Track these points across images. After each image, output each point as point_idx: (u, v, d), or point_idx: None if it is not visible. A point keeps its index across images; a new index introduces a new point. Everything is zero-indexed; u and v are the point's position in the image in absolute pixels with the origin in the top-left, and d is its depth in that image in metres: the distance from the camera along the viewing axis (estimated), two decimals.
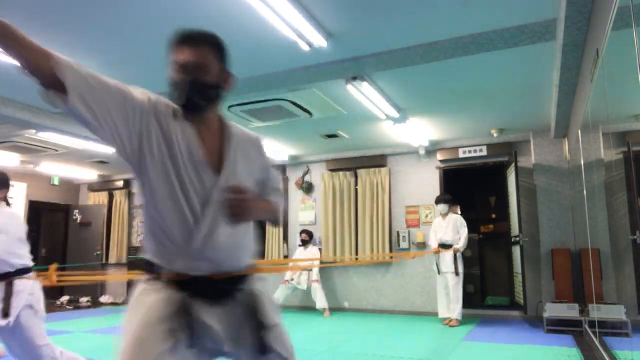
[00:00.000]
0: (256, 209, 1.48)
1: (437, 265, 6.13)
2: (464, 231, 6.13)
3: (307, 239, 7.37)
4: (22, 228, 2.98)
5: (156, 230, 1.42)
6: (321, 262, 7.38)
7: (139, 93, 1.40)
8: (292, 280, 7.17)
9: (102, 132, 1.31)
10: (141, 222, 9.43)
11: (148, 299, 1.37)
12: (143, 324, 1.32)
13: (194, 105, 1.40)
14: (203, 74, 1.39)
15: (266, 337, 1.45)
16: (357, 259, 7.50)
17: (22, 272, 2.89)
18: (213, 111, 1.48)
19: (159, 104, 1.41)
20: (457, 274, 5.92)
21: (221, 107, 1.52)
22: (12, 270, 2.85)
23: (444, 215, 6.25)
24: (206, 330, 1.38)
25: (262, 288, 1.56)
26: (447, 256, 6.02)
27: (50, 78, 1.24)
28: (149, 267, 1.44)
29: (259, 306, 1.48)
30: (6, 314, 2.77)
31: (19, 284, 2.84)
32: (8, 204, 3.07)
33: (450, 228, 6.14)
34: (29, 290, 2.88)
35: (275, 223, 1.68)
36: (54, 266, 2.16)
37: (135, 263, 8.77)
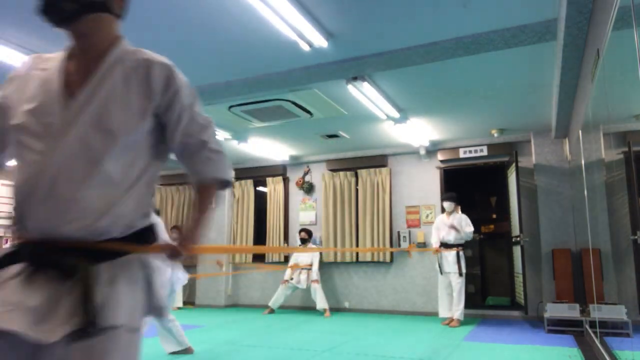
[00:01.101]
0: (196, 231, 1.29)
1: (439, 264, 6.12)
2: (470, 224, 6.11)
3: (306, 237, 7.37)
4: None
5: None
6: (321, 255, 7.38)
7: (13, 73, 1.26)
8: (292, 279, 7.17)
9: None
10: None
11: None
12: None
13: (57, 10, 1.15)
14: None
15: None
16: (357, 259, 7.49)
17: None
18: (97, 27, 1.22)
19: (37, 57, 1.27)
20: (460, 274, 5.91)
21: (110, 23, 1.27)
22: None
23: (449, 214, 6.23)
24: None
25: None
26: (450, 256, 6.01)
27: None
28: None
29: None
30: None
31: None
32: None
33: (454, 227, 6.13)
34: None
35: (225, 187, 1.37)
36: None
37: None
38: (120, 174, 1.17)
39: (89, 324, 1.06)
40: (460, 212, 6.49)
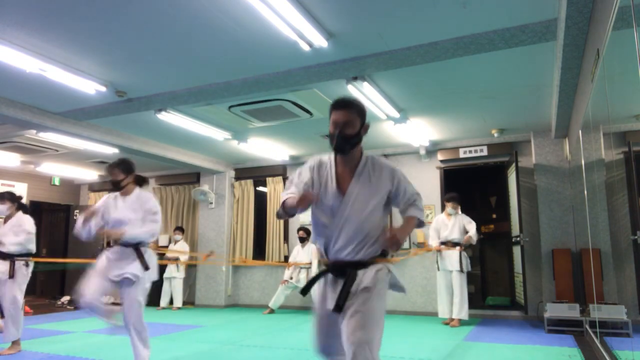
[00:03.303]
0: (403, 236, 2.06)
1: (437, 262, 6.12)
2: (473, 227, 6.09)
3: (305, 236, 7.37)
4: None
5: (319, 234, 2.23)
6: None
7: (307, 169, 2.24)
8: (291, 279, 7.17)
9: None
10: None
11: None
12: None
13: (342, 150, 2.15)
14: (346, 128, 2.12)
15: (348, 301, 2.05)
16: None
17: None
18: (355, 149, 2.19)
19: (317, 163, 2.24)
20: (462, 270, 5.90)
21: (361, 146, 2.24)
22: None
23: (449, 214, 6.22)
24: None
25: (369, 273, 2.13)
26: (454, 254, 6.00)
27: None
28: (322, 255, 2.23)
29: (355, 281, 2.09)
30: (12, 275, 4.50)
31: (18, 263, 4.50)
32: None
33: (457, 227, 6.11)
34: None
35: (421, 225, 2.26)
36: None
37: None
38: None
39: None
40: (460, 211, 6.49)
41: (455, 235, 6.08)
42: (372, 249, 2.14)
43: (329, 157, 2.23)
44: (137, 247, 3.45)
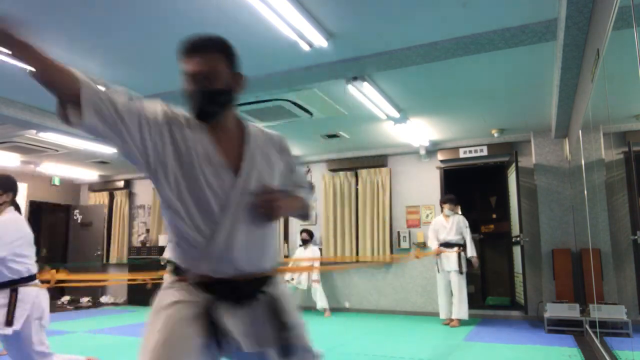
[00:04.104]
0: (285, 206, 1.53)
1: (437, 263, 6.12)
2: (468, 232, 6.10)
3: (308, 238, 7.37)
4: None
5: (178, 235, 1.43)
6: (321, 264, 7.37)
7: (154, 107, 1.43)
8: (292, 280, 7.16)
9: (124, 146, 1.34)
10: (142, 222, 9.44)
11: (172, 300, 1.39)
12: (169, 325, 1.34)
13: (207, 114, 1.45)
14: (212, 82, 1.42)
15: (290, 339, 1.46)
16: (357, 261, 7.49)
17: (27, 279, 2.83)
18: (228, 114, 1.51)
19: (175, 116, 1.45)
20: (460, 272, 5.90)
21: (235, 108, 1.56)
22: (16, 277, 2.78)
23: (447, 216, 6.22)
24: (227, 333, 1.39)
25: (283, 289, 1.58)
26: (452, 256, 6.01)
27: (71, 97, 1.25)
28: (174, 270, 1.46)
29: (281, 307, 1.48)
30: (10, 323, 2.72)
31: (23, 291, 2.80)
32: (17, 208, 2.99)
33: (454, 228, 6.12)
34: (33, 299, 2.84)
35: (305, 217, 1.75)
36: (53, 272, 2.15)
37: (135, 265, 8.76)
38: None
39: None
40: (460, 212, 6.49)
41: (453, 237, 6.09)
42: (273, 254, 1.57)
43: (184, 116, 1.49)
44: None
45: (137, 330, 4.12)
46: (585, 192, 4.57)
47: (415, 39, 3.69)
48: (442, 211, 6.35)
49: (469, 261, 6.06)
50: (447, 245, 6.07)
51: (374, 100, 4.93)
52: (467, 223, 6.17)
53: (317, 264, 7.11)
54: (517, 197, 6.16)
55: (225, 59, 1.48)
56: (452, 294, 5.97)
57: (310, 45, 3.65)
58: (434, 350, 4.51)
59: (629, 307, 4.21)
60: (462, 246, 6.07)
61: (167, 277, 1.48)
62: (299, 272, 7.16)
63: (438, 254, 6.11)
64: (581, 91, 4.10)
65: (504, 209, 7.48)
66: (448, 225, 6.16)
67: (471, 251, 6.04)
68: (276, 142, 1.59)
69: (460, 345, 4.72)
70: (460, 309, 5.87)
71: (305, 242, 7.38)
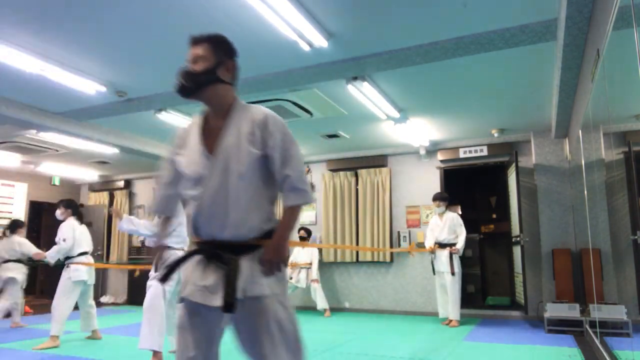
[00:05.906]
0: (282, 253, 1.73)
1: (432, 264, 6.12)
2: (462, 231, 6.08)
3: (305, 235, 7.36)
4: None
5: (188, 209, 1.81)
6: (320, 252, 7.37)
7: (172, 145, 1.90)
8: (291, 278, 7.16)
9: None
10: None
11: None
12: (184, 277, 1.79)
13: (184, 89, 1.74)
14: (195, 65, 1.74)
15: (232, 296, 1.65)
16: (357, 259, 7.49)
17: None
18: (216, 95, 1.79)
19: (187, 126, 1.90)
20: (452, 273, 5.89)
21: (226, 90, 1.82)
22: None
23: (440, 215, 6.22)
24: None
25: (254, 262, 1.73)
26: (443, 256, 5.99)
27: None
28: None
29: (237, 270, 1.67)
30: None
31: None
32: (79, 218, 5.36)
33: (446, 227, 6.10)
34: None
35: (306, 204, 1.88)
36: None
37: (135, 265, 8.76)
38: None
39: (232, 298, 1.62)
40: (460, 211, 6.48)
41: (444, 236, 6.07)
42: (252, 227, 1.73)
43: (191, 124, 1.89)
44: None
45: (137, 330, 4.12)
46: (585, 192, 4.57)
47: (415, 39, 3.69)
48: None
49: (461, 259, 6.04)
50: (440, 245, 6.06)
51: (374, 100, 4.94)
52: (460, 221, 6.14)
53: (315, 263, 7.11)
54: (517, 197, 6.16)
55: (211, 46, 1.78)
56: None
57: (310, 45, 3.65)
58: (433, 350, 4.51)
59: (629, 307, 4.21)
60: (454, 245, 6.04)
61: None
62: (298, 270, 7.15)
63: (431, 252, 6.11)
64: (581, 91, 4.10)
65: (504, 209, 7.48)
66: (441, 223, 6.15)
67: (459, 244, 6.00)
68: (258, 120, 1.76)
69: (460, 345, 4.72)
70: (453, 309, 5.86)
71: (302, 240, 7.37)
